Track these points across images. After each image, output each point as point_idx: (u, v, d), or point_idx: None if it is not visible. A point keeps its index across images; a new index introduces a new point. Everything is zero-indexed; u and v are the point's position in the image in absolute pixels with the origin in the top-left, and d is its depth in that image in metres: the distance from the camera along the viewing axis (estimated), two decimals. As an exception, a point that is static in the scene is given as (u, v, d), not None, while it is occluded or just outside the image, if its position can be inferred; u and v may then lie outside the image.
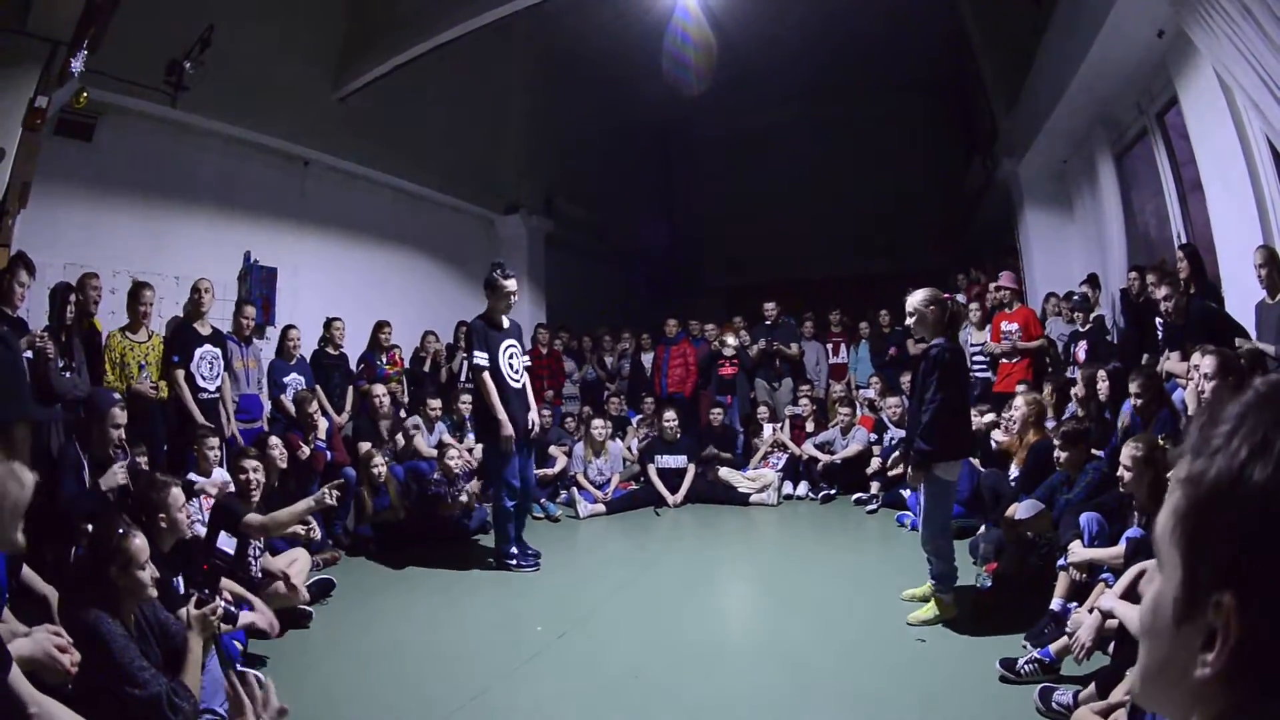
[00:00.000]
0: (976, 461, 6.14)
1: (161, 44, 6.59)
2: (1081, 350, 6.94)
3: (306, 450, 6.14)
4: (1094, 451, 4.73)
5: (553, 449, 8.30)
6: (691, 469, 7.96)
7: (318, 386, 7.15)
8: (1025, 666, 3.35)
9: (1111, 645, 3.06)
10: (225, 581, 3.86)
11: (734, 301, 13.57)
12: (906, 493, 6.78)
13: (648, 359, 10.15)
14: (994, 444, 5.98)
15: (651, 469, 7.99)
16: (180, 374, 5.86)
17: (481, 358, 5.71)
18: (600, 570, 5.90)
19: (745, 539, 6.83)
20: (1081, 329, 7.15)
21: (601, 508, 7.61)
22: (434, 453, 6.96)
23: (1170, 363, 5.27)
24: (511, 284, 5.89)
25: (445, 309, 10.12)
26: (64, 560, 3.54)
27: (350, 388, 7.65)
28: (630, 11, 9.88)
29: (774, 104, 15.05)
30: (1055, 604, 3.86)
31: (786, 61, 12.49)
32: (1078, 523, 3.87)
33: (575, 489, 7.79)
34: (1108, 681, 2.81)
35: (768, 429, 8.83)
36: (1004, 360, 7.73)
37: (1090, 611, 3.16)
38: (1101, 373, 5.74)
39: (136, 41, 6.18)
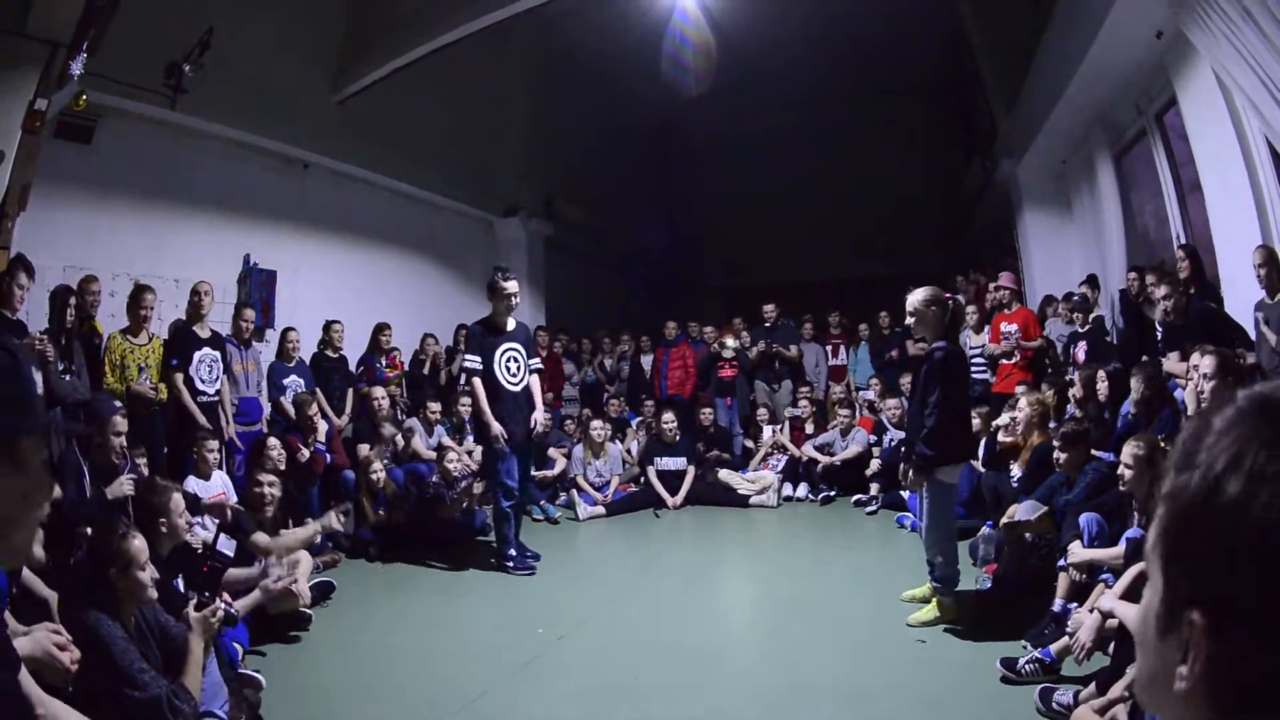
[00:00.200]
0: (976, 462, 6.14)
1: (161, 46, 6.59)
2: (1081, 351, 6.94)
3: (306, 453, 6.14)
4: (1094, 452, 4.72)
5: (552, 451, 8.29)
6: (691, 471, 7.95)
7: (317, 389, 7.14)
8: (1026, 667, 3.34)
9: (1112, 645, 3.06)
10: (230, 572, 3.87)
11: (733, 303, 13.57)
12: (906, 494, 6.77)
13: (647, 361, 10.15)
14: (998, 444, 5.97)
15: (651, 471, 7.98)
16: (179, 377, 5.86)
17: (473, 361, 5.78)
18: (600, 572, 5.90)
19: (745, 541, 6.83)
20: (1081, 330, 7.14)
21: (601, 510, 7.60)
22: (433, 455, 6.96)
23: (1169, 363, 5.27)
24: (511, 286, 5.91)
25: (445, 311, 10.11)
26: (64, 563, 3.53)
27: (350, 390, 7.65)
28: (629, 14, 9.89)
29: (773, 106, 15.07)
30: (1056, 604, 3.86)
31: (785, 63, 12.50)
32: (1077, 523, 3.87)
33: (575, 491, 7.79)
34: (1108, 681, 2.81)
35: (767, 431, 8.83)
36: (1003, 361, 7.73)
37: (1090, 612, 3.16)
38: (1101, 373, 5.74)
39: (136, 44, 6.19)
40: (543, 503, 7.68)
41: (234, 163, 7.82)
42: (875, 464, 7.72)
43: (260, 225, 8.13)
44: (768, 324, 9.91)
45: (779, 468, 8.32)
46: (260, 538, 4.23)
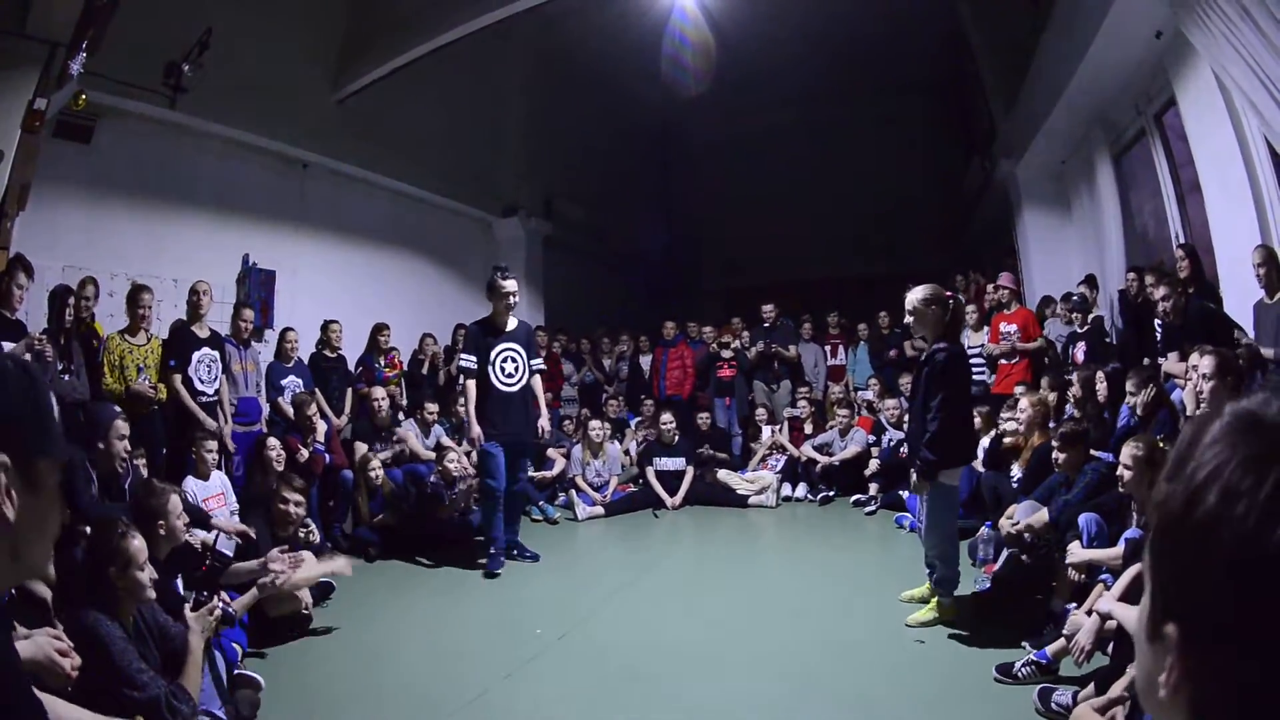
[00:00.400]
0: (976, 463, 6.13)
1: (160, 46, 6.60)
2: (1080, 351, 6.94)
3: (305, 453, 6.13)
4: (1093, 453, 4.72)
5: (551, 451, 8.29)
6: (690, 471, 7.95)
7: (316, 389, 7.14)
8: (1023, 670, 3.34)
9: (1111, 646, 3.06)
10: (233, 568, 3.87)
11: (732, 303, 13.55)
12: (905, 494, 6.78)
13: (646, 361, 10.15)
14: (1001, 445, 5.96)
15: (650, 471, 7.98)
16: (178, 378, 5.85)
17: (467, 360, 5.81)
18: (599, 572, 5.90)
19: (744, 541, 6.82)
20: (1080, 330, 7.14)
21: (600, 510, 7.60)
22: (431, 455, 6.96)
23: (1169, 363, 5.28)
24: (510, 285, 5.90)
25: (444, 311, 10.11)
26: (64, 564, 3.53)
27: (349, 390, 7.64)
28: (629, 13, 9.89)
29: (772, 105, 15.06)
30: (1056, 605, 3.87)
31: (785, 63, 12.50)
32: (1076, 523, 3.87)
33: (573, 491, 7.79)
34: (1108, 680, 2.81)
35: (766, 431, 8.83)
36: (1003, 361, 7.73)
37: (1088, 614, 3.16)
38: (1100, 374, 5.74)
39: (135, 44, 6.20)
40: (542, 503, 7.67)
41: (233, 162, 7.82)
42: (874, 464, 7.72)
43: (259, 225, 8.13)
44: (766, 324, 9.91)
45: (778, 468, 8.32)
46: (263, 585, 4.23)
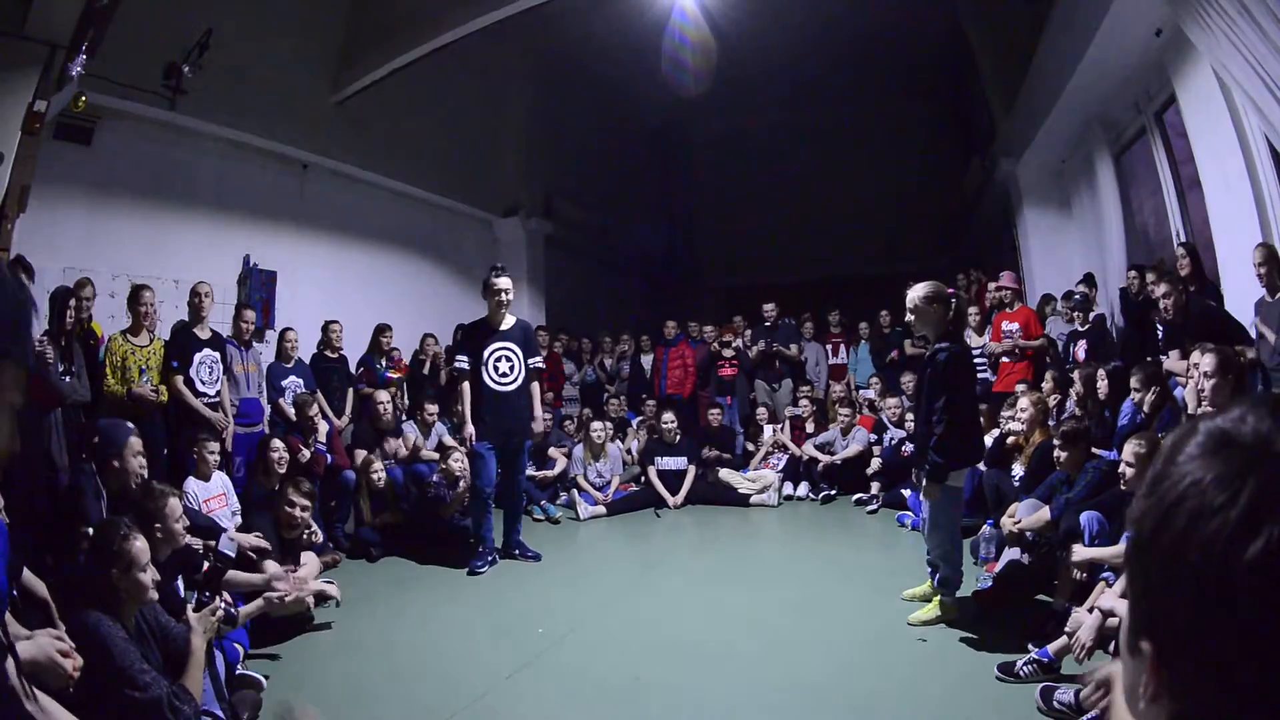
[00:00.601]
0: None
1: (160, 47, 6.60)
2: (1081, 350, 6.94)
3: (307, 453, 6.13)
4: (1095, 451, 4.72)
5: (552, 451, 8.30)
6: (692, 470, 7.95)
7: (317, 390, 7.14)
8: (1024, 668, 3.34)
9: (1113, 644, 3.05)
10: (233, 573, 3.87)
11: (733, 302, 13.56)
12: (907, 492, 6.78)
13: (647, 361, 10.15)
14: (1005, 443, 5.95)
15: (651, 471, 7.98)
16: (180, 379, 5.85)
17: (461, 360, 5.87)
18: (601, 572, 5.90)
19: (746, 540, 6.82)
20: (1081, 329, 7.14)
21: (602, 509, 7.61)
22: (433, 455, 6.96)
23: (1170, 361, 5.27)
24: (502, 283, 5.85)
25: (445, 311, 10.11)
26: (66, 565, 3.53)
27: (350, 391, 7.64)
28: (629, 13, 9.88)
29: (773, 105, 15.06)
30: (1058, 604, 3.86)
31: (785, 63, 12.50)
32: (1078, 521, 3.87)
33: (575, 491, 7.79)
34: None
35: (767, 430, 8.83)
36: (1004, 360, 7.73)
37: (1090, 611, 3.16)
38: (1101, 372, 5.74)
39: (135, 45, 6.20)
40: (543, 503, 7.68)
41: (234, 163, 7.82)
42: (876, 463, 7.72)
43: (260, 226, 8.12)
44: (768, 323, 9.91)
45: (780, 467, 8.32)
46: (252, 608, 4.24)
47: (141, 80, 6.51)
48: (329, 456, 6.41)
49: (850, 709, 3.24)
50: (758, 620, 4.44)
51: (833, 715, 3.22)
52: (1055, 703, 3.04)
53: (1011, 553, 4.64)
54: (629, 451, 8.59)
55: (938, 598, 4.19)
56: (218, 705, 2.94)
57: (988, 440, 6.14)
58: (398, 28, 8.30)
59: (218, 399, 6.12)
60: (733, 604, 4.78)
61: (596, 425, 8.07)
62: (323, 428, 6.52)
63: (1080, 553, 3.77)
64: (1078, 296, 7.33)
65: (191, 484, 5.05)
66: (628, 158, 15.80)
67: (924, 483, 4.15)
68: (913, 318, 4.20)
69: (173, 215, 7.22)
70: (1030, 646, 3.54)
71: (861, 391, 9.42)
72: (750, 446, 8.96)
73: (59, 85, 5.29)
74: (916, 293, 4.14)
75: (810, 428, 8.68)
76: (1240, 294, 5.20)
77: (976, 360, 7.55)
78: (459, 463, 6.42)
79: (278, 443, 5.75)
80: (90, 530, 2.91)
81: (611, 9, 10.15)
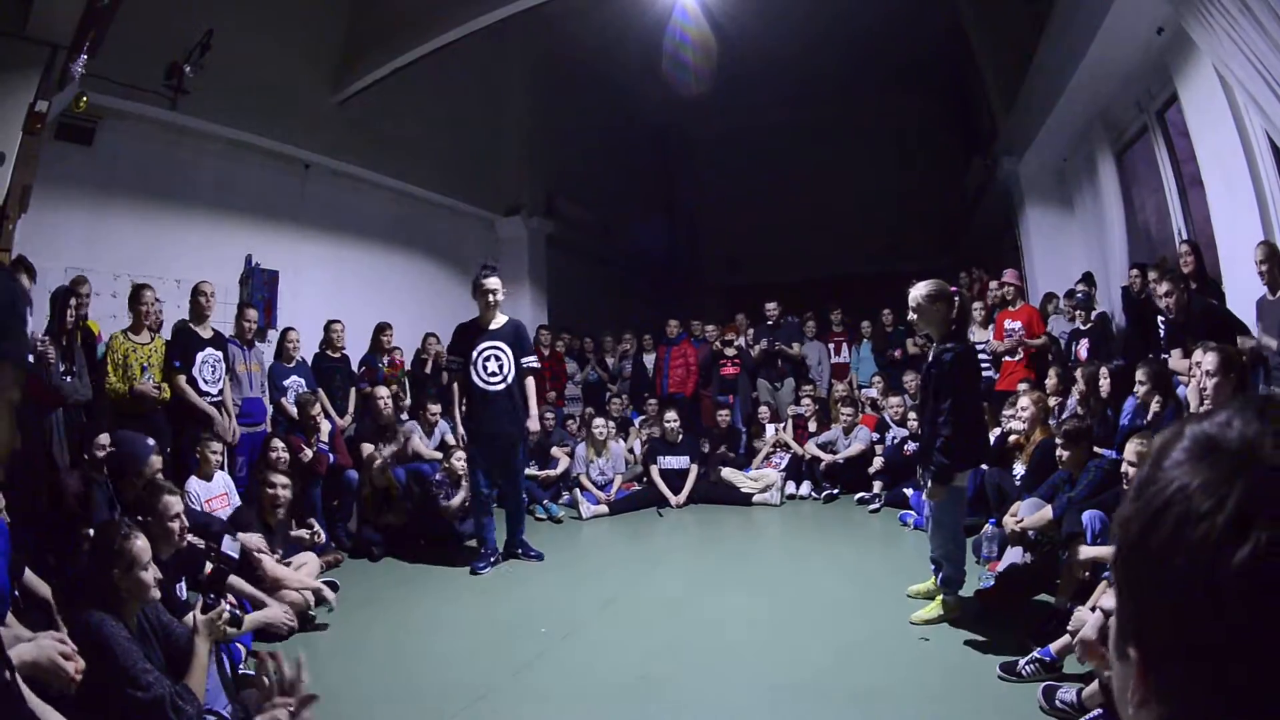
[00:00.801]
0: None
1: (161, 47, 6.59)
2: (1083, 348, 6.93)
3: (309, 453, 6.13)
4: (1096, 449, 4.72)
5: (555, 450, 8.30)
6: (694, 469, 7.95)
7: (319, 389, 7.14)
8: (1026, 668, 3.34)
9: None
10: (234, 580, 3.88)
11: (735, 301, 13.56)
12: (909, 491, 6.78)
13: (649, 360, 10.15)
14: (1006, 442, 5.95)
15: (654, 470, 7.98)
16: (182, 378, 5.85)
17: (452, 361, 5.88)
18: (604, 571, 5.90)
19: (748, 539, 6.83)
20: (1083, 327, 7.14)
21: (604, 509, 7.61)
22: (436, 455, 6.96)
23: (1172, 360, 5.27)
24: (490, 283, 5.83)
25: (446, 311, 10.09)
26: (68, 565, 3.54)
27: (352, 390, 7.65)
28: (630, 12, 9.88)
29: (774, 104, 15.04)
30: (1060, 603, 3.86)
31: (786, 62, 12.48)
32: (1080, 520, 3.87)
33: (578, 490, 7.80)
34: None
35: (770, 429, 8.82)
36: (1007, 358, 7.72)
37: (1093, 610, 3.15)
38: (1104, 370, 5.73)
39: (136, 45, 6.19)
40: (546, 502, 7.69)
41: (235, 163, 7.81)
42: (878, 462, 7.72)
43: (261, 225, 8.12)
44: (770, 322, 9.91)
45: (782, 466, 8.32)
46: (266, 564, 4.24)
47: (143, 80, 6.51)
48: (331, 456, 6.41)
49: (852, 707, 3.25)
50: (760, 619, 4.44)
51: (835, 714, 3.23)
52: (1057, 702, 3.03)
53: (1014, 552, 4.64)
54: (631, 451, 8.59)
55: (940, 597, 4.18)
56: (222, 703, 2.94)
57: (990, 439, 6.17)
58: (399, 27, 8.31)
59: (220, 398, 6.12)
60: (735, 603, 4.78)
61: (598, 423, 8.07)
62: (325, 427, 6.52)
63: (1083, 552, 3.77)
64: (1079, 295, 7.32)
65: (194, 483, 5.06)
66: (629, 157, 15.80)
67: (929, 483, 4.13)
68: (915, 316, 4.17)
69: (174, 215, 7.22)
70: (1032, 645, 3.53)
71: (864, 390, 9.41)
72: (755, 445, 8.96)
73: (60, 85, 5.29)
74: (919, 291, 4.12)
75: (813, 427, 8.68)
76: (1242, 292, 5.18)
77: (981, 358, 7.55)
78: (461, 462, 6.42)
79: (279, 442, 5.76)
80: (91, 530, 2.92)
81: (612, 8, 10.16)
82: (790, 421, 8.92)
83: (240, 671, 3.44)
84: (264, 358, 6.99)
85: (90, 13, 4.98)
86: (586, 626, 4.44)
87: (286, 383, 6.97)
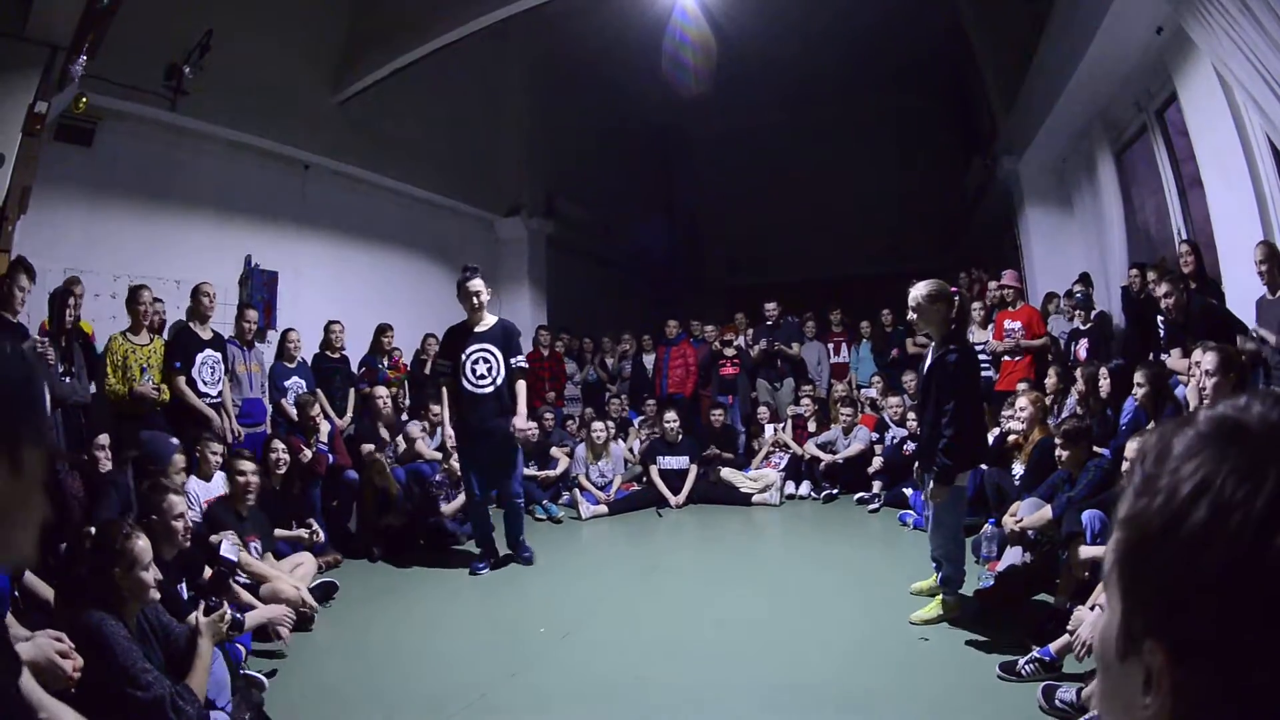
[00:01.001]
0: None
1: (161, 48, 6.60)
2: (1083, 348, 6.94)
3: (308, 453, 6.13)
4: (1096, 449, 4.72)
5: (554, 450, 8.30)
6: (694, 470, 7.95)
7: (319, 390, 7.14)
8: (1026, 667, 3.33)
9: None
10: (233, 585, 3.88)
11: (735, 301, 13.55)
12: (909, 491, 6.78)
13: (649, 360, 10.15)
14: (1005, 442, 5.95)
15: (653, 470, 7.98)
16: (182, 379, 5.85)
17: (441, 364, 5.84)
18: (603, 571, 5.90)
19: (748, 539, 6.83)
20: (1083, 327, 7.14)
21: (604, 509, 7.61)
22: (436, 455, 6.95)
23: (1172, 360, 5.27)
24: (474, 285, 5.80)
25: (446, 312, 10.01)
26: (67, 563, 3.54)
27: (352, 391, 7.65)
28: (630, 12, 9.88)
29: (774, 104, 15.03)
30: (1059, 602, 3.85)
31: (786, 62, 12.48)
32: (1079, 520, 3.87)
33: (577, 490, 7.79)
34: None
35: (769, 429, 8.82)
36: (1006, 359, 7.72)
37: (1092, 609, 3.15)
38: (1103, 370, 5.73)
39: (136, 46, 6.20)
40: (545, 502, 7.69)
41: (235, 164, 7.82)
42: (878, 462, 7.72)
43: (261, 226, 8.13)
44: (769, 322, 9.91)
45: (781, 466, 8.31)
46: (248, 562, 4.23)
47: (142, 81, 6.52)
48: (330, 456, 6.41)
49: (851, 707, 3.24)
50: (759, 619, 4.44)
51: (834, 714, 3.22)
52: (1057, 702, 3.03)
53: (1013, 552, 4.64)
54: (631, 451, 8.59)
55: (939, 596, 4.18)
56: (225, 698, 2.95)
57: (989, 439, 6.17)
58: (399, 28, 8.31)
59: (219, 399, 6.12)
60: (734, 603, 4.78)
61: (597, 425, 8.06)
62: (324, 428, 6.52)
63: (1082, 551, 3.77)
64: (1078, 295, 7.32)
65: (193, 484, 5.05)
66: (629, 157, 15.80)
67: (931, 484, 4.12)
68: (915, 316, 4.16)
69: (174, 216, 7.23)
70: (1032, 645, 3.53)
71: (863, 390, 9.41)
72: (754, 445, 8.96)
73: (60, 86, 5.30)
74: (919, 291, 4.10)
75: (812, 427, 8.68)
76: (1241, 292, 5.19)
77: (980, 358, 7.55)
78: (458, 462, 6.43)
79: (279, 443, 5.76)
80: (92, 530, 2.92)
81: (612, 8, 10.16)
82: (789, 421, 8.92)
83: (241, 672, 3.43)
84: (264, 358, 6.99)
85: (90, 14, 4.99)
86: (585, 626, 4.43)
87: (287, 383, 6.98)
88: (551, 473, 8.10)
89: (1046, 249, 9.53)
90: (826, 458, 8.08)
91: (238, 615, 3.21)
